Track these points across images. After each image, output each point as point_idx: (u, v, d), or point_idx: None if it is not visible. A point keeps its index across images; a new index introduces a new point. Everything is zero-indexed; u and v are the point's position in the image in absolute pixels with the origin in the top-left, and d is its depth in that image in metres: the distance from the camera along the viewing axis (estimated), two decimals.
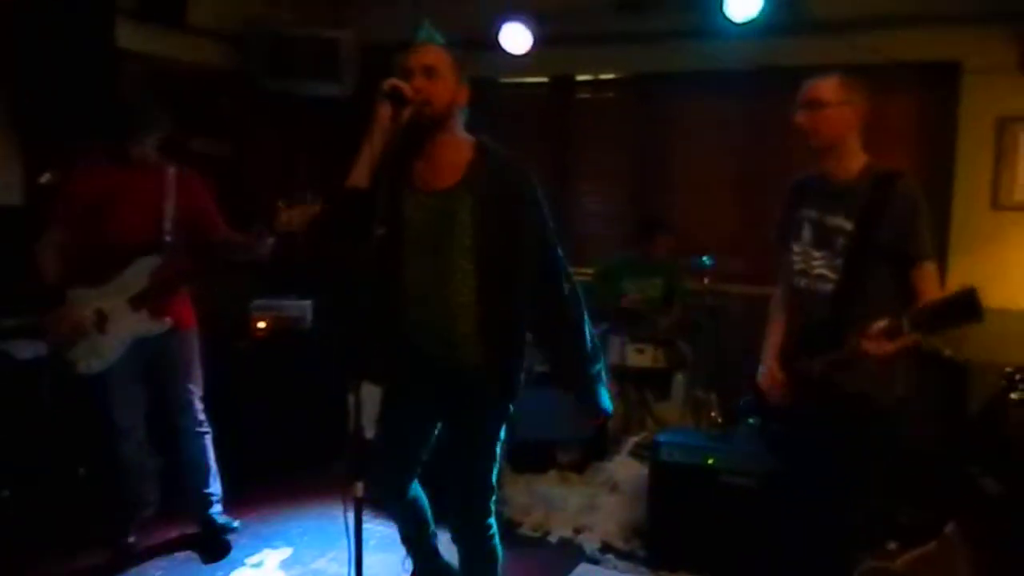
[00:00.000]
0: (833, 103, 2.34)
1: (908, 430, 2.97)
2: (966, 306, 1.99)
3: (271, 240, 3.11)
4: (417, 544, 2.69)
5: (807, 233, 2.45)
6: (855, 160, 2.39)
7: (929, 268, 2.31)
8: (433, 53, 2.15)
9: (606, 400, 2.40)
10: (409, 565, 2.84)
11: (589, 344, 2.36)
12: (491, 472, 2.35)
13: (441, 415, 2.39)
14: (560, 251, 2.31)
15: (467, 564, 2.44)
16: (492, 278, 2.16)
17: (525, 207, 2.19)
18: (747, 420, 2.74)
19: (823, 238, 2.40)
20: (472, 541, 2.40)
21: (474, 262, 2.14)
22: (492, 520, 2.40)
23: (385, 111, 2.05)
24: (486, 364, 2.21)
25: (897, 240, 2.28)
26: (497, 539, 2.43)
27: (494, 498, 2.39)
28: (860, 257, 2.31)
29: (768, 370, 2.54)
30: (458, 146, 2.21)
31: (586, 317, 2.35)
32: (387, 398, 2.44)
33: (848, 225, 2.33)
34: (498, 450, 2.35)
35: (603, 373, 2.40)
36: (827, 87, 2.37)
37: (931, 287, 2.28)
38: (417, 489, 2.58)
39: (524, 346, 2.28)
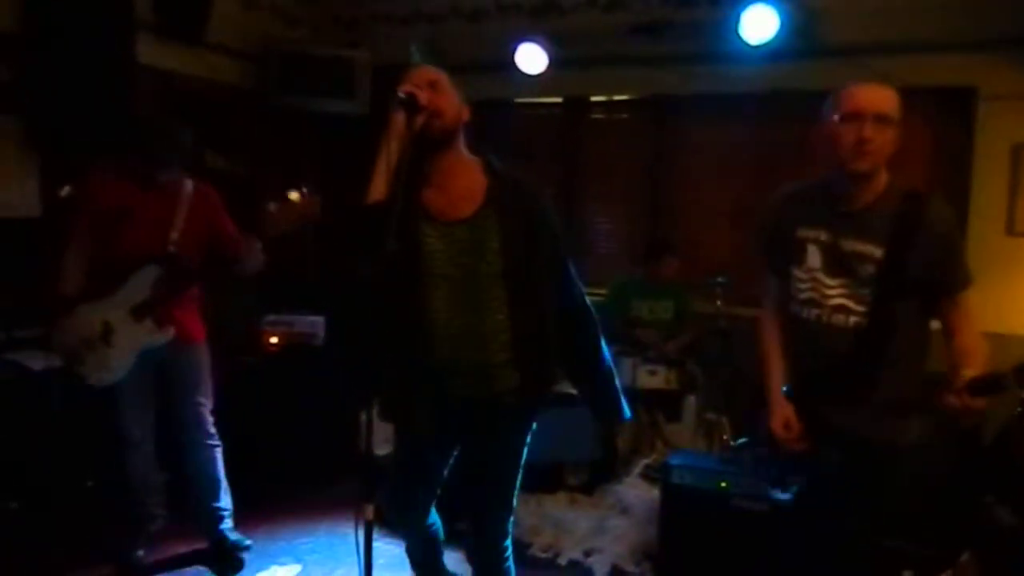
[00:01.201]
0: (897, 120, 2.07)
1: (928, 470, 2.85)
2: None
3: (256, 243, 3.06)
4: (430, 569, 2.67)
5: (815, 258, 2.18)
6: (880, 179, 2.12)
7: (966, 299, 2.09)
8: (431, 71, 2.16)
9: (626, 407, 2.38)
10: None
11: (606, 351, 2.34)
12: (515, 493, 2.33)
13: (463, 441, 2.34)
14: (572, 267, 2.32)
15: None
16: (524, 301, 2.13)
17: (544, 224, 2.18)
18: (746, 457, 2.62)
19: (840, 264, 2.12)
20: (491, 562, 2.37)
21: (506, 288, 2.11)
22: (509, 542, 2.39)
23: (400, 119, 2.05)
24: (523, 389, 2.17)
25: (933, 269, 2.05)
26: (512, 561, 2.42)
27: (512, 520, 2.37)
28: (893, 287, 2.05)
29: (781, 418, 2.24)
30: (468, 169, 2.19)
31: (601, 334, 2.36)
32: (404, 425, 2.37)
33: (876, 251, 2.06)
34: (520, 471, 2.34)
35: (618, 383, 2.39)
36: (893, 101, 2.07)
37: (968, 321, 2.08)
38: (433, 514, 2.55)
39: (554, 363, 2.26)
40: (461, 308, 2.11)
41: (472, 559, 2.44)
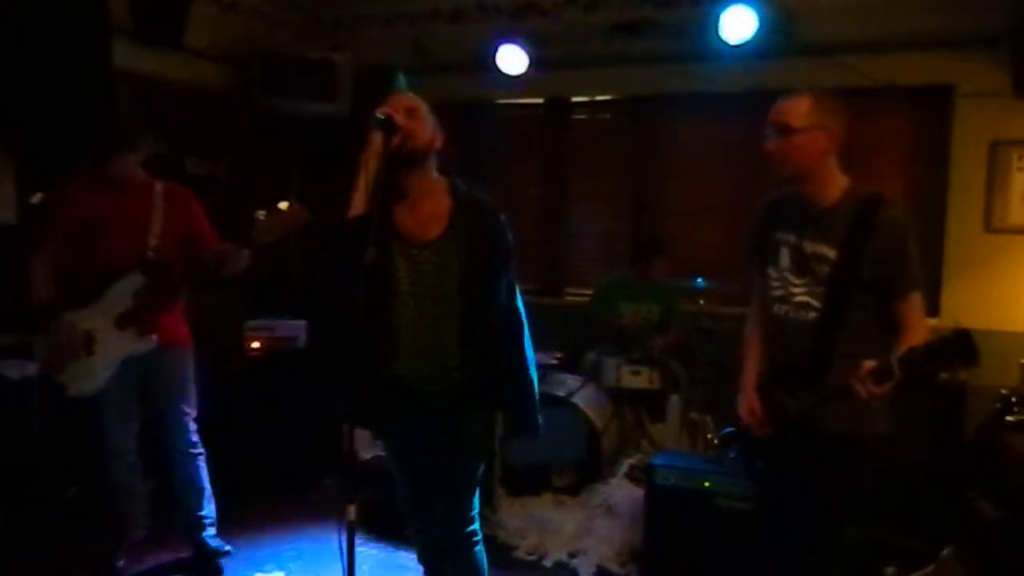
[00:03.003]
0: (803, 128, 2.18)
1: (894, 461, 2.90)
2: (960, 350, 1.92)
3: (245, 252, 3.07)
4: (438, 568, 2.73)
5: (785, 258, 2.32)
6: (834, 185, 2.25)
7: (915, 299, 2.19)
8: (411, 98, 2.35)
9: (539, 424, 2.49)
10: None
11: (532, 365, 2.46)
12: (474, 482, 2.47)
13: (434, 433, 2.45)
14: (512, 277, 2.44)
15: (455, 573, 2.54)
16: (476, 314, 2.34)
17: (497, 244, 2.38)
18: (729, 454, 2.68)
19: (803, 265, 2.28)
20: (456, 545, 2.48)
21: (461, 302, 2.32)
22: (477, 526, 2.51)
23: (377, 139, 2.22)
24: (470, 382, 2.36)
25: (883, 270, 2.17)
26: (482, 546, 2.53)
27: (477, 508, 2.50)
28: (844, 287, 2.19)
29: (747, 403, 2.42)
30: (435, 191, 2.39)
31: (528, 340, 2.45)
32: (388, 439, 2.58)
33: (831, 253, 2.21)
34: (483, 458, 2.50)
35: (537, 399, 2.49)
36: (796, 110, 2.19)
37: (917, 319, 2.18)
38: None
39: (501, 357, 2.41)
40: (424, 321, 2.33)
41: (441, 549, 2.54)
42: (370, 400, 2.35)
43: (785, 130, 2.20)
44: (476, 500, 2.49)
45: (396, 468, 2.56)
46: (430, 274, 2.33)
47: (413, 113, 2.28)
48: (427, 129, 2.31)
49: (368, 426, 2.60)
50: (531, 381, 2.47)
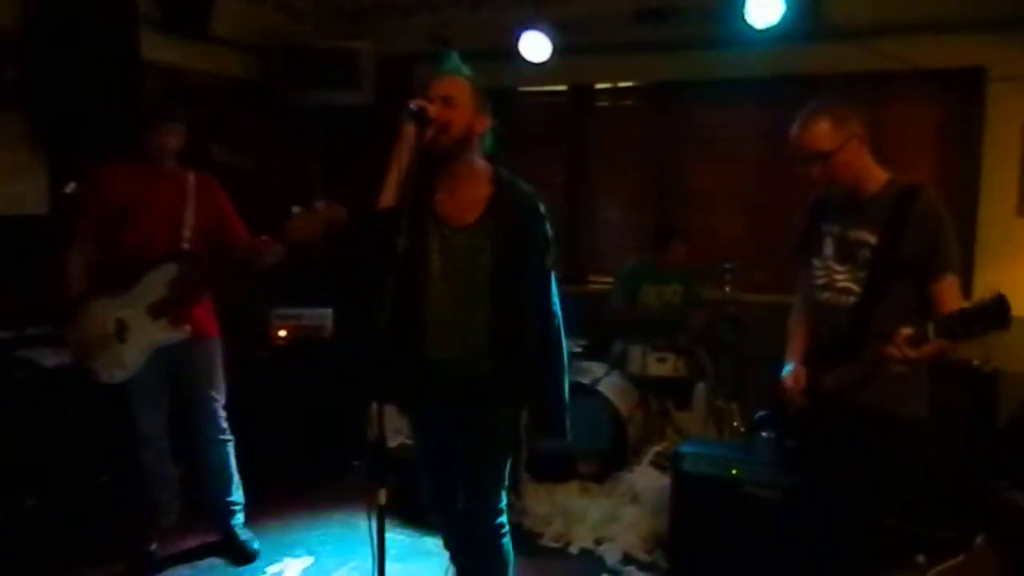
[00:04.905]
0: (837, 148, 2.27)
1: (926, 450, 2.90)
2: (994, 312, 1.96)
3: (280, 248, 3.09)
4: (466, 558, 2.74)
5: (829, 248, 2.42)
6: (876, 178, 2.35)
7: (952, 280, 2.26)
8: (453, 84, 2.29)
9: (568, 427, 2.45)
10: (452, 574, 2.87)
11: (565, 369, 2.43)
12: (502, 471, 2.45)
13: (461, 424, 2.44)
14: (554, 277, 2.41)
15: (481, 564, 2.53)
16: (507, 302, 2.32)
17: (535, 235, 2.35)
18: (763, 434, 2.70)
19: (846, 252, 2.37)
20: (482, 537, 2.46)
21: (491, 290, 2.31)
22: (504, 519, 2.48)
23: (410, 131, 2.19)
24: (499, 369, 2.34)
25: (921, 252, 2.24)
26: (509, 539, 2.51)
27: (506, 500, 2.48)
28: (884, 269, 2.28)
29: (794, 370, 2.50)
30: (476, 178, 2.36)
31: (563, 340, 2.42)
32: (415, 427, 2.61)
33: (872, 238, 2.30)
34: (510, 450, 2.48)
35: (566, 400, 2.45)
36: (820, 133, 2.28)
37: (953, 300, 2.22)
38: None
39: (530, 349, 2.38)
40: (454, 305, 2.33)
41: (469, 539, 2.54)
42: (399, 381, 2.35)
43: (822, 157, 2.28)
44: (503, 493, 2.47)
45: (420, 455, 2.56)
46: (463, 257, 2.33)
47: (450, 101, 2.24)
48: (465, 117, 2.26)
49: (396, 403, 2.59)
50: (561, 381, 2.43)
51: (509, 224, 2.32)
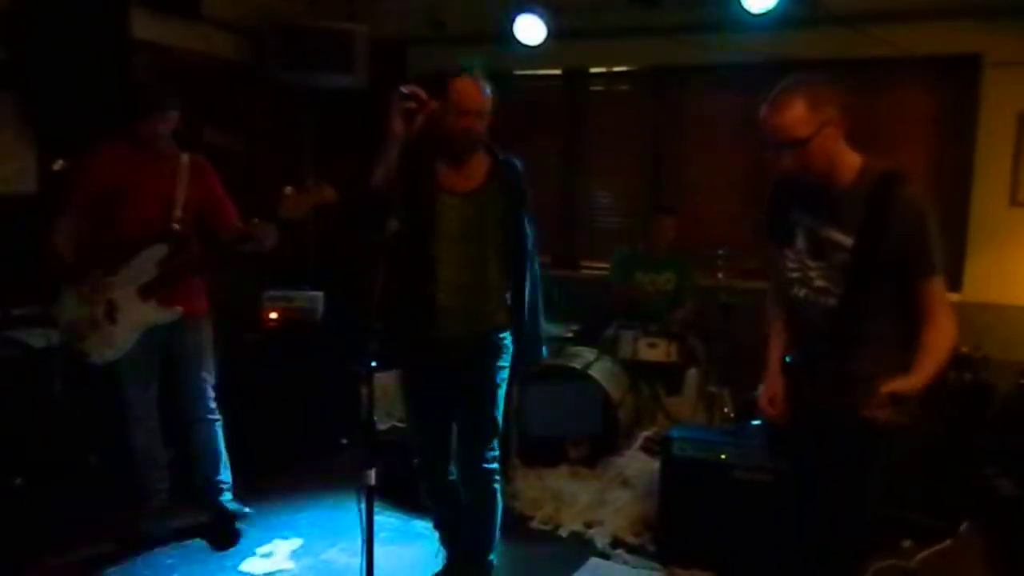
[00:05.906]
0: (812, 135, 2.09)
1: (911, 441, 2.86)
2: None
3: (273, 228, 3.08)
4: (452, 528, 2.90)
5: (801, 241, 2.27)
6: (849, 164, 2.16)
7: (937, 284, 2.12)
8: (484, 99, 2.54)
9: (544, 349, 2.88)
10: (443, 556, 2.94)
11: (538, 295, 2.77)
12: (498, 419, 2.73)
13: (452, 378, 2.67)
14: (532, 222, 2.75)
15: (474, 509, 2.75)
16: (510, 257, 2.67)
17: (524, 197, 2.70)
18: (750, 421, 2.70)
19: (818, 249, 2.22)
20: (477, 481, 2.71)
21: (498, 247, 2.64)
22: (497, 466, 2.73)
23: (398, 123, 2.39)
24: (507, 325, 2.70)
25: (902, 255, 2.08)
26: (499, 484, 2.76)
27: (497, 452, 2.74)
28: (862, 275, 2.12)
29: (767, 394, 2.38)
30: (477, 154, 2.66)
31: (539, 280, 2.76)
32: (409, 389, 2.79)
33: (847, 240, 2.14)
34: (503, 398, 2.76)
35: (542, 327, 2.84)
36: (795, 118, 2.10)
37: (939, 304, 2.11)
38: (453, 475, 2.84)
39: (533, 303, 2.74)
40: (464, 262, 2.61)
41: (462, 485, 2.77)
42: (401, 344, 2.58)
43: (796, 143, 2.11)
44: (496, 444, 2.72)
45: (413, 417, 2.78)
46: (470, 218, 2.61)
47: (482, 115, 2.51)
48: (486, 123, 2.54)
49: (397, 365, 2.79)
50: (539, 310, 2.77)
51: (508, 187, 2.65)
